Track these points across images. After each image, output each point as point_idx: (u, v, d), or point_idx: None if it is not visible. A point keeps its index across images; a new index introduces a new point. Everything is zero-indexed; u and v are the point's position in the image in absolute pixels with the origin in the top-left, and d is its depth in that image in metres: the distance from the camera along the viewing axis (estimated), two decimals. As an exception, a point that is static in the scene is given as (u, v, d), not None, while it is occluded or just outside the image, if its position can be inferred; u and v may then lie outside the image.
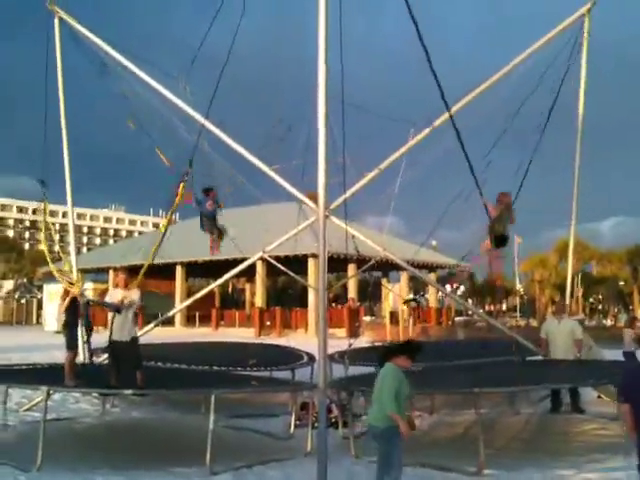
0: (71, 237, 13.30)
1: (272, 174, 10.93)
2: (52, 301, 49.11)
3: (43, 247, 12.42)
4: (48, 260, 11.54)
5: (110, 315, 8.87)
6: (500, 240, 10.32)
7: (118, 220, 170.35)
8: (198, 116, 10.48)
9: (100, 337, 10.23)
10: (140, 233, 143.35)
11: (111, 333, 8.46)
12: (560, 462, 7.44)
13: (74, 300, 8.92)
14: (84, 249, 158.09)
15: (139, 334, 9.35)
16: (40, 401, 10.50)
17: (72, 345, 8.66)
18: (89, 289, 45.00)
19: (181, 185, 10.80)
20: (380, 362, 6.05)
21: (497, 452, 7.78)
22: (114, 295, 8.84)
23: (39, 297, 59.73)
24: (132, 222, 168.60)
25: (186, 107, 10.52)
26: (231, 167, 11.32)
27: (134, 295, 8.75)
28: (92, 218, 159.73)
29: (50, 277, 56.26)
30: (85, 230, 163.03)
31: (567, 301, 13.63)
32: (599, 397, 11.72)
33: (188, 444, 8.48)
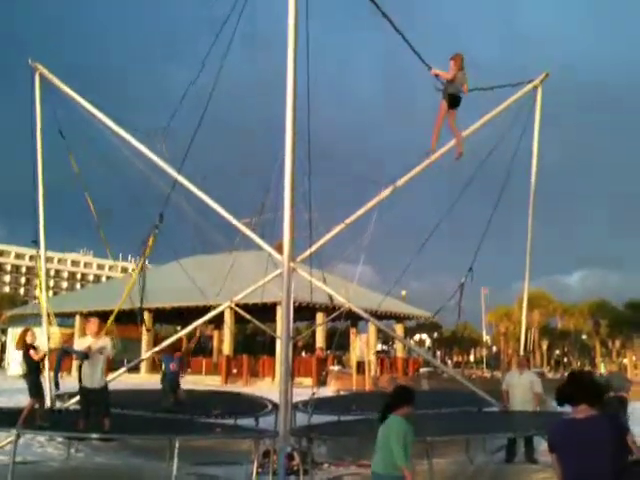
0: (42, 283, 13.50)
1: (242, 227, 11.41)
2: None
3: (39, 294, 12.90)
4: (43, 306, 11.94)
5: (76, 362, 9.13)
6: (454, 100, 10.45)
7: (86, 264, 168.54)
8: (172, 171, 10.97)
9: (65, 383, 10.42)
10: (108, 278, 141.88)
11: (80, 380, 8.69)
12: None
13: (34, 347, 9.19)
14: (50, 293, 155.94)
15: (108, 380, 9.58)
16: (6, 444, 10.63)
17: (35, 392, 8.87)
18: (55, 334, 44.41)
19: (151, 238, 11.20)
20: (383, 415, 6.13)
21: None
22: (83, 343, 9.10)
23: (2, 340, 58.56)
24: (100, 266, 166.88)
25: (160, 162, 11.00)
26: (200, 218, 11.83)
27: (104, 342, 9.02)
28: (60, 261, 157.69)
29: (15, 320, 55.51)
30: (52, 273, 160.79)
31: (521, 354, 14.12)
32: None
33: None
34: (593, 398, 4.08)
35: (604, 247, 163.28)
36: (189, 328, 13.08)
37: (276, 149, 12.72)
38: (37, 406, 8.78)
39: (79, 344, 9.21)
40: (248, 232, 11.43)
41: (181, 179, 10.93)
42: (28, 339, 9.10)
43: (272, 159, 12.55)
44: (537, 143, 12.53)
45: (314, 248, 11.05)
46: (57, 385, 9.78)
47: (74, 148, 12.45)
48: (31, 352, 9.13)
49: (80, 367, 8.97)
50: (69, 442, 11.03)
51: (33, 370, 9.09)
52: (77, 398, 10.25)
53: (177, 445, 7.84)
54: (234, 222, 11.45)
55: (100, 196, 12.71)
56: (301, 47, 9.91)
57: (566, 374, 4.79)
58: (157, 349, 13.39)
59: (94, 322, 9.28)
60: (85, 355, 8.74)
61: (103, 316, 12.55)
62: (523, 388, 11.54)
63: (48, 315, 12.51)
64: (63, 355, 9.65)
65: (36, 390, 8.97)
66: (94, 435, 8.61)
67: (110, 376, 11.87)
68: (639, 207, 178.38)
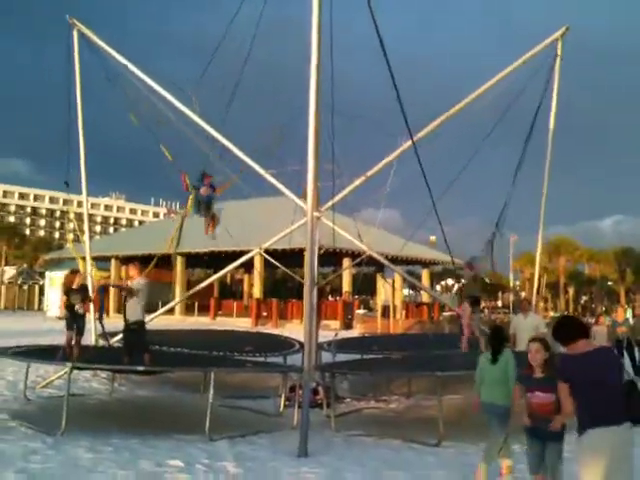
0: (86, 227, 14.50)
1: (269, 178, 12.03)
2: (54, 288, 50.25)
3: (69, 238, 13.67)
4: (72, 249, 12.76)
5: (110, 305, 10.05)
6: (474, 301, 11.52)
7: (119, 209, 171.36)
8: (208, 127, 11.59)
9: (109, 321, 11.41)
10: (140, 222, 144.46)
11: (125, 316, 9.60)
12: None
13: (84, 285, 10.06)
14: (85, 236, 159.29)
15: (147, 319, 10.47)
16: (56, 378, 11.73)
17: (71, 327, 9.69)
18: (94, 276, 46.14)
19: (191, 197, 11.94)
20: (498, 348, 6.81)
21: (458, 430, 8.93)
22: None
23: (41, 284, 60.83)
24: (132, 211, 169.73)
25: (195, 118, 11.61)
26: (231, 169, 12.47)
27: (144, 284, 9.90)
28: (92, 206, 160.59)
29: (52, 264, 57.50)
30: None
31: (534, 299, 14.74)
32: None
33: (189, 418, 9.68)
34: (587, 334, 4.78)
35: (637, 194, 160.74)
36: (221, 272, 13.88)
37: (302, 100, 13.25)
38: (73, 342, 9.55)
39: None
40: (275, 182, 12.04)
41: (215, 133, 11.55)
42: (77, 281, 9.87)
43: (298, 110, 13.10)
44: (556, 95, 12.81)
45: (337, 198, 11.65)
46: (101, 321, 10.61)
47: (109, 98, 13.02)
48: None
49: (124, 305, 9.87)
50: (113, 377, 12.07)
51: (71, 309, 9.81)
52: (120, 335, 11.22)
53: (212, 377, 8.67)
54: (262, 172, 12.06)
55: (130, 142, 13.29)
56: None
57: (588, 320, 5.48)
58: (191, 292, 14.22)
59: (135, 266, 10.14)
60: (130, 291, 9.61)
61: (139, 259, 13.38)
62: (528, 330, 12.14)
63: (89, 258, 13.29)
64: (103, 291, 10.37)
65: (70, 325, 9.72)
66: (141, 368, 9.48)
67: (149, 317, 12.87)
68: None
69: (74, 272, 10.10)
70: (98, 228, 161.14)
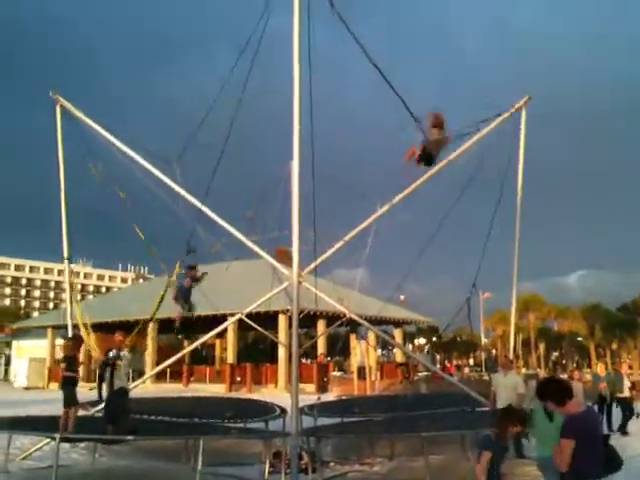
0: (67, 294, 14.56)
1: (250, 244, 12.30)
2: (21, 357, 49.09)
3: (68, 304, 13.77)
4: (79, 316, 12.85)
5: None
6: (428, 159, 11.10)
7: (86, 275, 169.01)
8: (190, 197, 11.91)
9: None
10: (108, 289, 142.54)
11: (105, 387, 9.67)
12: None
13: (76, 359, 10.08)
14: (50, 304, 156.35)
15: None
16: (35, 450, 11.52)
17: (74, 401, 9.75)
18: (61, 345, 45.27)
19: (177, 264, 12.17)
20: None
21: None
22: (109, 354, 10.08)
23: (7, 353, 59.31)
24: (100, 277, 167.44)
25: (179, 189, 11.93)
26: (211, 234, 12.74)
27: (126, 353, 10.02)
28: (59, 273, 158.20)
29: (20, 333, 56.27)
30: (52, 285, 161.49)
31: (509, 356, 15.04)
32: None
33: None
34: (572, 393, 5.13)
35: (601, 249, 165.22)
36: (202, 339, 13.95)
37: (281, 170, 13.70)
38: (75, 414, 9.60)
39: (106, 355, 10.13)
40: (257, 249, 12.31)
41: (195, 202, 11.86)
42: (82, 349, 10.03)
43: (277, 179, 13.54)
44: (522, 161, 13.45)
45: (318, 262, 11.95)
46: (100, 394, 10.57)
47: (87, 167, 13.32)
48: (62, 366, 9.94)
49: (100, 376, 9.92)
50: (94, 447, 11.89)
51: (75, 381, 9.89)
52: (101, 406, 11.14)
53: (202, 445, 8.68)
54: (243, 239, 12.32)
55: (99, 205, 13.50)
56: (305, 89, 10.77)
57: (561, 375, 5.82)
58: (164, 365, 14.22)
59: (119, 335, 10.24)
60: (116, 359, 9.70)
61: (109, 326, 13.40)
62: (507, 388, 12.37)
63: (84, 326, 13.28)
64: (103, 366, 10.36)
65: (74, 399, 9.78)
66: (131, 437, 9.44)
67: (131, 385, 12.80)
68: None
69: (75, 338, 10.26)
70: (63, 295, 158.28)
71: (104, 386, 9.93)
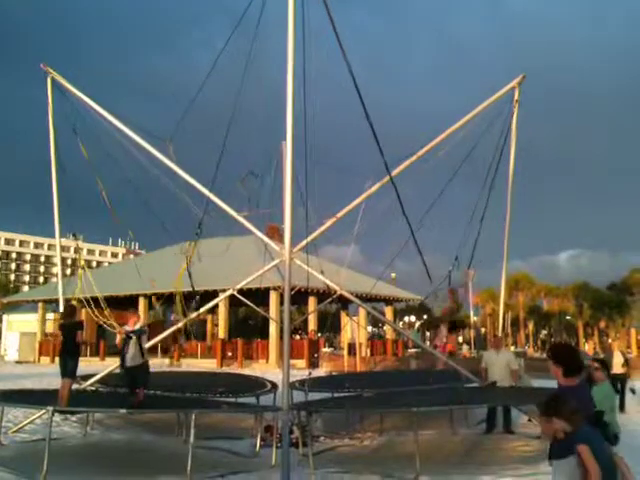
0: (59, 268, 14.57)
1: (242, 220, 12.29)
2: (13, 331, 49.11)
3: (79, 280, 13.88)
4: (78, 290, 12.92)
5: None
6: (453, 325, 11.84)
7: (76, 250, 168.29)
8: (182, 172, 11.85)
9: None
10: (98, 263, 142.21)
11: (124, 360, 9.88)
12: (484, 471, 8.88)
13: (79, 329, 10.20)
14: (40, 279, 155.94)
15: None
16: (29, 422, 11.61)
17: (74, 373, 9.92)
18: (51, 319, 45.32)
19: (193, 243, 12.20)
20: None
21: (434, 464, 9.18)
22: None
23: (-1, 326, 59.39)
24: (91, 252, 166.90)
25: (174, 167, 11.87)
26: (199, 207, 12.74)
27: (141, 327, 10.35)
28: (49, 248, 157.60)
29: (10, 307, 56.20)
30: (42, 259, 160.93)
31: (498, 334, 15.20)
32: (529, 420, 13.23)
33: (167, 460, 9.71)
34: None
35: (592, 228, 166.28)
36: (193, 314, 13.99)
37: (275, 143, 13.63)
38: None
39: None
40: (248, 225, 12.30)
41: (189, 178, 11.82)
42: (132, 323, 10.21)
43: (270, 153, 13.48)
44: (515, 139, 13.49)
45: (310, 239, 11.94)
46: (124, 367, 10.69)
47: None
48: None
49: (123, 348, 10.10)
50: (86, 420, 11.99)
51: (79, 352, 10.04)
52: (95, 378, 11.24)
53: (193, 419, 8.76)
54: (234, 215, 12.30)
55: (90, 183, 13.49)
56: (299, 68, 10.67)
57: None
58: (165, 334, 14.28)
59: (134, 315, 10.67)
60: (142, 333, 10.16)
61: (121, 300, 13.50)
62: (500, 366, 12.57)
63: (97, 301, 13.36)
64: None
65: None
66: (123, 411, 9.60)
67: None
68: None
69: (72, 308, 10.49)
70: (54, 270, 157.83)
71: (127, 357, 10.10)
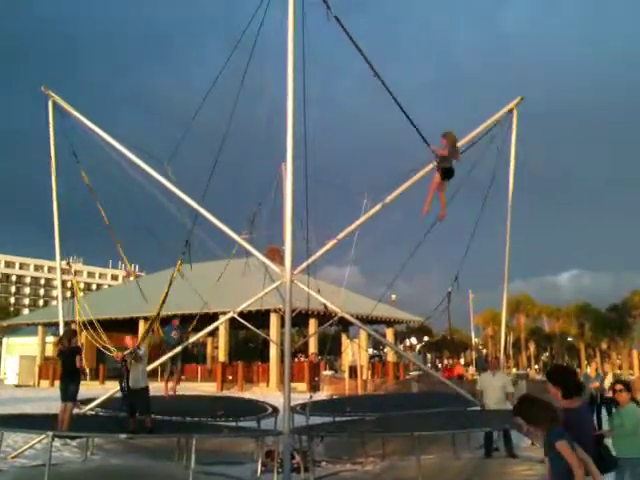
0: (59, 291, 14.53)
1: (242, 242, 12.31)
2: (12, 354, 48.87)
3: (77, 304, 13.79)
4: (77, 314, 12.88)
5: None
6: (447, 173, 10.99)
7: (76, 272, 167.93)
8: (182, 195, 11.88)
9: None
10: (98, 286, 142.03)
11: (127, 383, 9.87)
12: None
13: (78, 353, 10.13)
14: (40, 302, 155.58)
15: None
16: (28, 448, 11.50)
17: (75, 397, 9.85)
18: (51, 342, 45.10)
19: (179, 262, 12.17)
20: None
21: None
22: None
23: (-2, 350, 59.08)
24: (90, 274, 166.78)
25: (173, 188, 11.90)
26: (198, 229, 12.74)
27: (142, 351, 10.26)
28: (50, 270, 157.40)
29: (10, 330, 55.98)
30: (42, 282, 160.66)
31: (498, 355, 15.12)
32: (532, 444, 13.09)
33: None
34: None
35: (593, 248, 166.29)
36: (197, 336, 13.95)
37: (274, 167, 13.69)
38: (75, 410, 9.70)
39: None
40: (248, 247, 12.31)
41: (188, 200, 11.84)
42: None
43: (269, 177, 13.53)
44: (514, 160, 13.53)
45: (310, 261, 11.95)
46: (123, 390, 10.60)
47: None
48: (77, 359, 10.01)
49: (123, 371, 10.04)
50: (86, 445, 11.86)
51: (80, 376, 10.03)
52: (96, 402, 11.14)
53: (194, 444, 8.68)
54: (235, 237, 12.31)
55: (90, 205, 13.52)
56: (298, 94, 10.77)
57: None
58: (165, 358, 14.19)
59: (130, 338, 10.51)
60: (136, 358, 10.04)
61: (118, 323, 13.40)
62: (495, 389, 12.45)
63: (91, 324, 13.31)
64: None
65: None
66: (124, 436, 9.51)
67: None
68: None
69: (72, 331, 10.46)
70: (54, 292, 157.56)
71: (130, 380, 10.06)
